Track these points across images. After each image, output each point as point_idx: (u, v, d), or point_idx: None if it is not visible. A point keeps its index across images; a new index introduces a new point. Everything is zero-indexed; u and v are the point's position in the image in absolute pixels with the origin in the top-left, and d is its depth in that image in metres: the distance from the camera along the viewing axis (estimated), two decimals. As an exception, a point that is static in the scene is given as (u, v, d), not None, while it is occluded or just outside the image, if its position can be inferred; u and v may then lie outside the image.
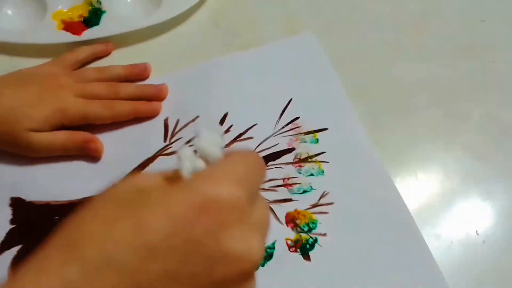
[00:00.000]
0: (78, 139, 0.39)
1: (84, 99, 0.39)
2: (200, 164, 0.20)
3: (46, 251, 0.18)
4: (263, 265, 0.34)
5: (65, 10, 0.47)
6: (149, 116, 0.41)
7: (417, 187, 0.38)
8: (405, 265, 0.34)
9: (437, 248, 0.35)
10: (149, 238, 0.17)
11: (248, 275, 0.20)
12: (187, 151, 0.20)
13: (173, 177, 0.20)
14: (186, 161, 0.20)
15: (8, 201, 0.38)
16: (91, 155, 0.39)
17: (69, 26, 0.46)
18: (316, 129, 0.40)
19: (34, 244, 0.36)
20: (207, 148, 0.20)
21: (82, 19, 0.46)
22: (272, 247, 0.35)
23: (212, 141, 0.20)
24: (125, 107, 0.40)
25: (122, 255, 0.17)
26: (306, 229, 0.36)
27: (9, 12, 0.46)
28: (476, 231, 0.36)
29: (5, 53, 0.46)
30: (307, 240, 0.35)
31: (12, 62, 0.45)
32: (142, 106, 0.41)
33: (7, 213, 0.37)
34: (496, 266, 0.35)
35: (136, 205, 0.18)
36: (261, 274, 0.33)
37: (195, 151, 0.20)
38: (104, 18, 0.46)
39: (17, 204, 0.37)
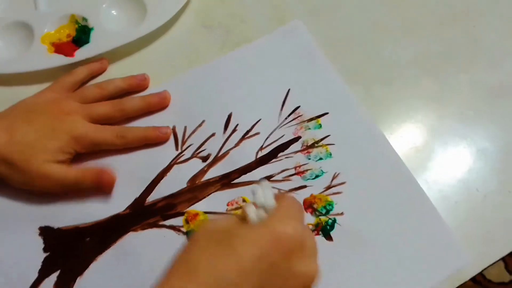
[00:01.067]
0: (93, 175, 0.39)
1: (95, 125, 0.40)
2: (261, 213, 0.28)
3: (169, 278, 0.26)
4: (290, 252, 0.37)
5: (52, 32, 0.47)
6: (159, 142, 0.41)
7: (418, 156, 0.41)
8: (419, 229, 0.37)
9: (444, 209, 0.38)
10: (243, 264, 0.25)
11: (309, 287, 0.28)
12: (251, 208, 0.28)
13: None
14: (252, 214, 0.28)
15: (37, 231, 0.39)
16: (103, 189, 0.39)
17: (60, 48, 0.46)
18: (317, 115, 0.42)
19: (71, 267, 0.38)
20: (264, 202, 0.29)
21: (71, 38, 0.47)
22: (296, 234, 0.38)
23: (266, 195, 0.29)
24: (136, 135, 0.41)
25: (226, 276, 0.25)
26: (324, 211, 0.38)
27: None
28: (477, 189, 0.39)
29: (1, 84, 0.46)
30: (326, 222, 0.38)
31: (10, 91, 0.46)
32: (153, 132, 0.41)
33: (39, 242, 0.39)
34: (499, 218, 0.38)
35: (230, 241, 0.26)
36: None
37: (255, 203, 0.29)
38: (93, 35, 0.46)
39: (46, 232, 0.39)
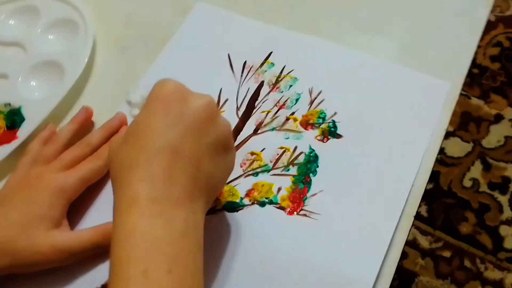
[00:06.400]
0: (109, 230, 0.35)
1: (70, 169, 0.39)
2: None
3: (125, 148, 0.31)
4: (317, 166, 0.39)
5: (-20, 133, 0.44)
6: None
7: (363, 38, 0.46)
8: (400, 93, 0.42)
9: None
10: (155, 124, 0.30)
11: (214, 115, 0.31)
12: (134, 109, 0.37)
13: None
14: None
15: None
16: None
17: (0, 141, 0.44)
18: (264, 57, 0.45)
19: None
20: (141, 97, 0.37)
21: (3, 128, 0.45)
22: (312, 150, 0.40)
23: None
24: (98, 136, 0.41)
25: (156, 146, 0.29)
26: (321, 121, 0.41)
27: None
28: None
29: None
30: (328, 126, 0.41)
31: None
32: (111, 122, 0.42)
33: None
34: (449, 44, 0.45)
35: (140, 134, 0.30)
36: (323, 172, 0.38)
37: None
38: (24, 111, 0.45)
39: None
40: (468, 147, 1.01)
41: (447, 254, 0.92)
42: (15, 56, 0.49)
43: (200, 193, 0.30)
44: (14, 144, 0.43)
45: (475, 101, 1.05)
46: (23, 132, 0.44)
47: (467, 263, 0.91)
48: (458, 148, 1.01)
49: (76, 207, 0.39)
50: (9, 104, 0.45)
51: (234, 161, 0.33)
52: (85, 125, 0.43)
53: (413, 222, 0.37)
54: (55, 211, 0.37)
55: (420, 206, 0.38)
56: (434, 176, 0.98)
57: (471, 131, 1.02)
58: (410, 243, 0.94)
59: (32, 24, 0.51)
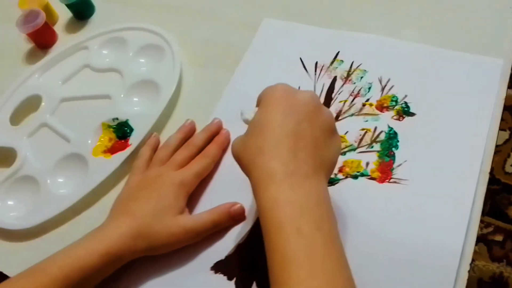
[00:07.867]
0: (223, 210, 0.44)
1: (185, 167, 0.46)
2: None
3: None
4: (398, 141, 0.45)
5: (96, 145, 0.52)
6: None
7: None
8: (457, 72, 0.48)
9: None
10: (274, 117, 0.36)
11: (319, 104, 0.37)
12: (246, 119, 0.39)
13: None
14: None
15: (211, 272, 0.42)
16: (238, 219, 0.44)
17: (114, 150, 0.51)
18: (333, 57, 0.52)
19: (263, 273, 0.41)
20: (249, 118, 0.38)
21: (115, 139, 0.52)
22: (390, 128, 0.46)
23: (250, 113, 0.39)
24: (215, 148, 0.48)
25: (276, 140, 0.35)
26: (394, 104, 0.47)
27: (60, 180, 0.50)
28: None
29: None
30: (401, 107, 0.47)
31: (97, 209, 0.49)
32: (222, 138, 0.49)
33: (219, 278, 0.41)
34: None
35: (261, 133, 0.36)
36: (404, 145, 0.44)
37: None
38: (132, 123, 0.52)
39: (219, 267, 0.42)
40: (505, 135, 1.05)
41: (499, 238, 0.95)
42: (113, 79, 0.57)
43: (320, 169, 0.35)
44: (128, 151, 0.50)
45: (507, 91, 1.10)
46: (134, 140, 0.51)
47: (520, 244, 0.94)
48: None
49: (191, 196, 0.45)
50: (117, 119, 0.53)
51: (340, 143, 0.38)
52: (189, 134, 0.50)
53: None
54: (179, 201, 0.44)
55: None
56: (476, 165, 1.02)
57: (506, 120, 1.07)
58: (462, 231, 0.97)
59: (122, 52, 0.59)
